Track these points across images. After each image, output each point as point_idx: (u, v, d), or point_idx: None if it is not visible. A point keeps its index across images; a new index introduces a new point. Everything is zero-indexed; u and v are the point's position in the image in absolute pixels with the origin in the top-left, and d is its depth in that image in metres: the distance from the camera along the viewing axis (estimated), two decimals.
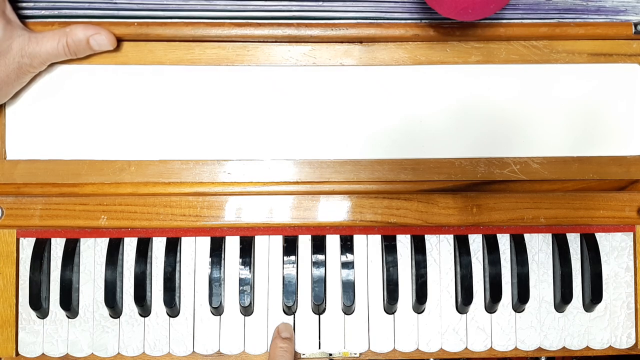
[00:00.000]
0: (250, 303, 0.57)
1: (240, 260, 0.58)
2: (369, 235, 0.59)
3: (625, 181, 0.58)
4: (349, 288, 0.57)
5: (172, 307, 0.57)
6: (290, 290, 0.57)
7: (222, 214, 0.57)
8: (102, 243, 0.58)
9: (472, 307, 0.59)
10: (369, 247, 0.59)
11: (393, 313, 0.58)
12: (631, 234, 0.59)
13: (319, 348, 0.58)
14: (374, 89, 0.57)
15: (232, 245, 0.58)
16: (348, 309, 0.58)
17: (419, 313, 0.58)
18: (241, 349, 0.58)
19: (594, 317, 0.59)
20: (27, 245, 0.58)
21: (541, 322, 0.59)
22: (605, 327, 0.59)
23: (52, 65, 0.55)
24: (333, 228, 0.58)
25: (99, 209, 0.57)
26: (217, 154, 0.57)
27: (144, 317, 0.58)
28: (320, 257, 0.58)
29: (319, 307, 0.58)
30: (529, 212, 0.58)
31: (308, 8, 0.56)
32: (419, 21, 0.56)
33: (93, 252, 0.58)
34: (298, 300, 0.58)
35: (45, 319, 0.58)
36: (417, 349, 0.58)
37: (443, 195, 0.58)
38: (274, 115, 0.57)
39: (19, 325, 0.57)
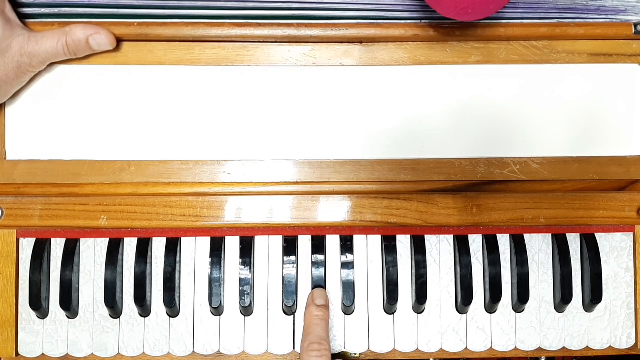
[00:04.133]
0: (250, 303, 0.57)
1: (240, 260, 0.58)
2: (369, 236, 0.59)
3: (625, 181, 0.58)
4: (349, 288, 0.57)
5: (172, 307, 0.57)
6: (290, 290, 0.57)
7: (222, 214, 0.57)
8: (102, 243, 0.58)
9: (472, 307, 0.59)
10: (369, 247, 0.59)
11: (393, 313, 0.58)
12: (631, 234, 0.59)
13: None
14: (374, 89, 0.57)
15: (232, 245, 0.58)
16: (348, 309, 0.58)
17: (418, 313, 0.58)
18: (241, 349, 0.58)
19: (594, 318, 0.59)
20: (27, 246, 0.58)
21: (541, 323, 0.59)
22: (605, 327, 0.59)
23: (51, 65, 0.55)
24: (333, 228, 0.58)
25: (99, 209, 0.57)
26: (217, 155, 0.57)
27: (144, 317, 0.58)
28: (320, 257, 0.58)
29: None
30: (529, 212, 0.58)
31: (308, 5, 0.55)
32: (419, 21, 0.56)
33: (93, 252, 0.58)
34: (298, 301, 0.58)
35: (45, 319, 0.58)
36: (417, 349, 0.58)
37: (443, 195, 0.58)
38: (274, 115, 0.57)
39: (19, 326, 0.57)
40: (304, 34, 0.56)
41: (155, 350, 0.58)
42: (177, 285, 0.58)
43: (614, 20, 0.57)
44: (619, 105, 0.58)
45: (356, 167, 0.57)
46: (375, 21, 0.56)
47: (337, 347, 0.58)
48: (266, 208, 0.57)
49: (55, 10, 0.55)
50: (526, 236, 0.59)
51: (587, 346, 0.59)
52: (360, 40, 0.57)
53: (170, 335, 0.58)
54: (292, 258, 0.58)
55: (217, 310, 0.57)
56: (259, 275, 0.58)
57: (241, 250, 0.58)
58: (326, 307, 0.55)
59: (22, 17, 0.54)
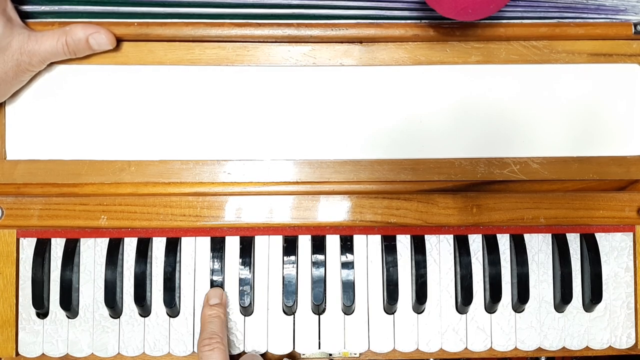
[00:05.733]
0: (250, 303, 0.57)
1: (240, 260, 0.58)
2: (368, 236, 0.59)
3: (625, 181, 0.58)
4: (348, 288, 0.57)
5: (172, 307, 0.57)
6: (290, 290, 0.57)
7: (222, 214, 0.57)
8: (102, 243, 0.58)
9: (472, 307, 0.59)
10: (368, 247, 0.59)
11: (393, 313, 0.58)
12: (631, 234, 0.59)
13: (319, 348, 0.58)
14: (374, 89, 0.57)
15: (232, 245, 0.58)
16: (348, 309, 0.58)
17: (418, 313, 0.58)
18: (241, 348, 0.58)
19: (594, 317, 0.59)
20: (27, 246, 0.58)
21: (541, 322, 0.59)
22: (605, 327, 0.59)
23: (52, 65, 0.55)
24: (333, 228, 0.58)
25: (99, 209, 0.57)
26: (217, 154, 0.57)
27: (144, 317, 0.58)
28: (320, 257, 0.58)
29: (318, 307, 0.58)
30: (528, 212, 0.58)
31: (308, 4, 0.55)
32: (419, 21, 0.56)
33: (93, 252, 0.58)
34: (298, 300, 0.58)
35: (45, 319, 0.58)
36: (417, 349, 0.58)
37: (443, 195, 0.58)
38: (274, 115, 0.57)
39: (19, 326, 0.57)
40: (304, 34, 0.56)
41: (155, 350, 0.58)
42: (177, 285, 0.58)
43: (614, 20, 0.57)
44: (619, 105, 0.58)
45: (356, 167, 0.57)
46: (375, 21, 0.56)
47: (338, 347, 0.58)
48: (266, 208, 0.57)
49: (56, 8, 0.55)
50: (526, 236, 0.59)
51: (587, 346, 0.59)
52: (360, 40, 0.57)
53: (170, 335, 0.58)
54: (292, 258, 0.58)
55: None
56: (259, 275, 0.58)
57: (241, 250, 0.58)
58: (220, 304, 0.56)
59: (23, 17, 0.54)
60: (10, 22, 0.51)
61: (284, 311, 0.58)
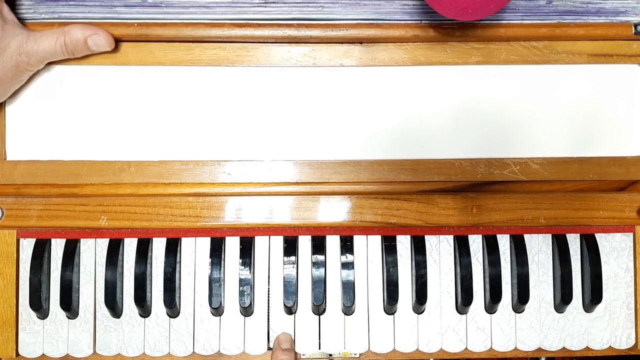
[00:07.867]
0: (250, 303, 0.57)
1: (240, 260, 0.58)
2: (368, 236, 0.59)
3: (625, 182, 0.58)
4: (349, 288, 0.57)
5: (172, 307, 0.57)
6: (290, 290, 0.57)
7: (222, 215, 0.57)
8: (102, 244, 0.58)
9: (472, 307, 0.59)
10: (369, 247, 0.59)
11: (393, 313, 0.58)
12: (631, 234, 0.59)
13: (319, 348, 0.58)
14: (374, 90, 0.57)
15: (232, 245, 0.58)
16: (348, 310, 0.58)
17: (419, 313, 0.58)
18: (241, 349, 0.58)
19: (594, 318, 0.59)
20: (27, 246, 0.58)
21: (541, 323, 0.59)
22: (605, 327, 0.59)
23: (51, 65, 0.55)
24: (333, 228, 0.58)
25: (99, 209, 0.57)
26: (217, 155, 0.57)
27: (144, 317, 0.58)
28: (320, 257, 0.58)
29: (318, 308, 0.58)
30: (529, 212, 0.58)
31: (308, 13, 0.56)
32: (419, 22, 0.56)
33: (93, 252, 0.58)
34: (298, 301, 0.58)
35: (45, 320, 0.58)
36: (417, 349, 0.58)
37: (443, 195, 0.58)
38: (274, 116, 0.57)
39: (19, 326, 0.57)
40: (304, 34, 0.56)
41: (155, 351, 0.58)
42: (177, 285, 0.58)
43: (614, 21, 0.57)
44: (619, 106, 0.58)
45: (356, 167, 0.57)
46: (375, 22, 0.56)
47: (338, 348, 0.58)
48: (266, 208, 0.57)
49: (55, 15, 0.55)
50: (526, 236, 0.59)
51: (587, 346, 0.59)
52: (360, 41, 0.57)
53: (170, 336, 0.58)
54: (292, 258, 0.58)
55: (217, 311, 0.57)
56: (259, 275, 0.58)
57: (241, 250, 0.58)
58: (290, 350, 0.56)
59: (22, 20, 0.54)
60: (7, 23, 0.51)
61: (284, 311, 0.58)
